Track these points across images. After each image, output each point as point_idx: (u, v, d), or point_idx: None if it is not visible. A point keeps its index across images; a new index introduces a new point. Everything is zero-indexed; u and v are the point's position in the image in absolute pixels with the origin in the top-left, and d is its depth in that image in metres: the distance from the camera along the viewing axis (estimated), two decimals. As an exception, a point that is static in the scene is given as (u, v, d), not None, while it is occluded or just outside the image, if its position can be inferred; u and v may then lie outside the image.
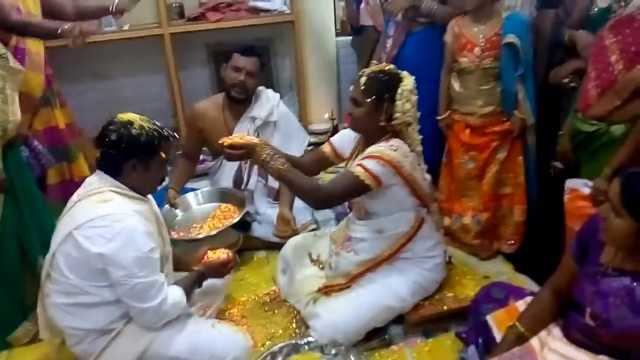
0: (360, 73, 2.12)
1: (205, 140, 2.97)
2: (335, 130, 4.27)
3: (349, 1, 3.83)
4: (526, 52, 2.46)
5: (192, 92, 4.12)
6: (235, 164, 2.91)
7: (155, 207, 2.03)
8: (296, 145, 2.97)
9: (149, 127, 1.84)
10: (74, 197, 1.90)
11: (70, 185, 2.76)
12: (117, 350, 1.86)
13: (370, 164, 2.00)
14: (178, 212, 2.73)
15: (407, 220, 2.17)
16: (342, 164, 2.37)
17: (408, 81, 2.07)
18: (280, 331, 2.25)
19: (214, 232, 2.52)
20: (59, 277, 1.81)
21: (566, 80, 2.43)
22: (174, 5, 3.99)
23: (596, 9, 2.33)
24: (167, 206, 2.71)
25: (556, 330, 1.62)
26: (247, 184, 2.94)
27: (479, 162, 2.67)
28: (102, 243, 1.73)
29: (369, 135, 2.15)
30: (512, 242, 2.70)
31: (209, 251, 2.18)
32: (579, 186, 2.11)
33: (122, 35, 3.85)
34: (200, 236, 2.50)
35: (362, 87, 2.06)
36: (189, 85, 4.14)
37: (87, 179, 1.93)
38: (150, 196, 2.01)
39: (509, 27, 2.46)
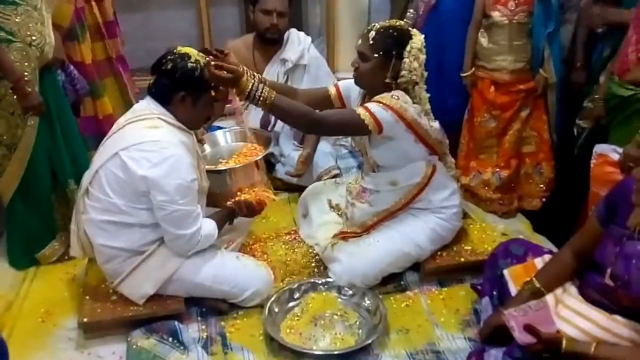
0: (369, 27, 2.08)
1: None
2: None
3: None
4: (556, 10, 2.46)
5: (222, 30, 4.10)
6: None
7: (196, 142, 2.07)
8: None
9: (204, 64, 1.88)
10: (121, 120, 1.95)
11: (94, 121, 2.77)
12: (146, 271, 1.94)
13: (373, 106, 1.99)
14: (206, 147, 2.77)
15: (418, 171, 2.17)
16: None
17: (418, 39, 2.03)
18: (300, 269, 2.30)
19: (239, 165, 2.55)
20: (99, 194, 1.88)
21: (600, 29, 2.38)
22: (208, -61, 3.92)
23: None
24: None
25: (572, 289, 1.65)
26: (274, 125, 2.96)
27: (501, 122, 2.68)
28: (147, 167, 1.79)
29: (373, 91, 2.11)
30: (544, 198, 2.72)
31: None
32: (607, 152, 2.10)
33: (156, -33, 3.81)
34: (225, 167, 2.54)
35: (371, 42, 2.02)
36: (218, 22, 4.11)
37: (136, 105, 1.98)
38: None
39: None
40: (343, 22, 4.31)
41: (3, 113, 2.15)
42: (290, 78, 2.89)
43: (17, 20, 2.06)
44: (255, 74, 2.05)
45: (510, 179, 2.71)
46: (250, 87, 1.90)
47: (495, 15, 2.54)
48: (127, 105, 2.76)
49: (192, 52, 1.90)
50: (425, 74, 2.10)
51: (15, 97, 2.09)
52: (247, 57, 2.91)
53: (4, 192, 2.28)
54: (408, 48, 2.00)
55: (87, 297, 2.06)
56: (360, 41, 2.08)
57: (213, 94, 1.95)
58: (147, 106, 1.93)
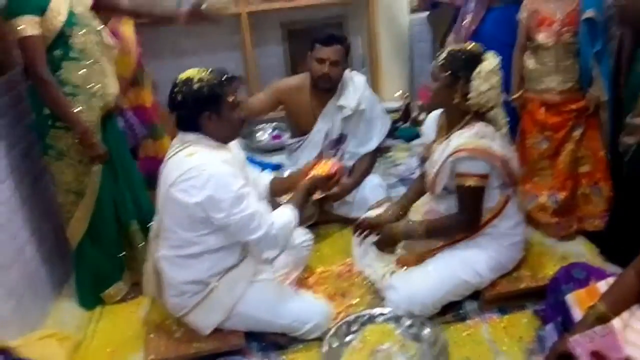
0: (443, 49, 2.14)
1: (290, 118, 3.00)
2: (406, 109, 4.26)
3: None
4: (602, 28, 2.40)
5: (267, 68, 4.21)
6: (317, 147, 2.91)
7: (241, 155, 2.12)
8: (378, 130, 2.94)
9: (208, 77, 1.90)
10: (165, 159, 2.01)
11: (155, 162, 2.89)
12: (214, 300, 2.00)
13: (468, 166, 2.03)
14: None
15: (492, 197, 2.15)
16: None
17: (490, 62, 2.03)
18: (357, 300, 2.30)
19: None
20: (169, 234, 1.97)
21: None
22: (250, -17, 4.07)
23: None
24: None
25: (640, 312, 1.59)
26: None
27: (554, 142, 2.63)
28: (196, 192, 1.84)
29: (448, 113, 2.16)
30: (605, 217, 2.64)
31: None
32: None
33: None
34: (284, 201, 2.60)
35: (441, 62, 2.08)
36: (263, 62, 4.22)
37: (172, 141, 2.04)
38: (236, 147, 2.11)
39: (588, 2, 2.40)
40: (385, 52, 4.37)
41: (71, 162, 2.27)
42: (347, 123, 2.86)
43: (80, 74, 2.19)
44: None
45: (567, 201, 2.64)
46: (401, 229, 2.18)
47: (541, 37, 2.52)
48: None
49: (191, 73, 1.92)
50: (503, 96, 2.12)
51: (81, 146, 2.21)
52: (302, 99, 2.88)
53: (73, 235, 2.39)
54: (477, 70, 2.01)
55: (152, 335, 2.12)
56: (433, 62, 2.14)
57: (231, 98, 1.95)
58: (180, 139, 1.98)
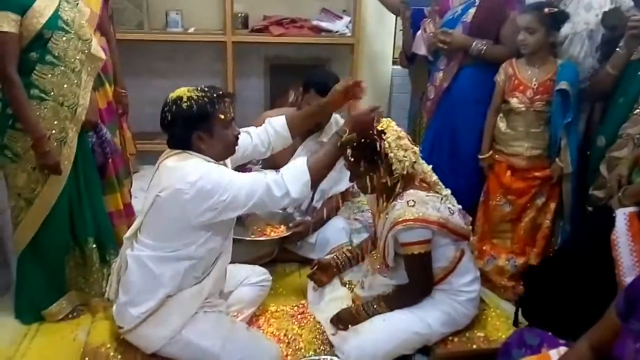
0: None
1: None
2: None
3: (407, 28, 3.58)
4: (574, 101, 2.46)
5: (247, 101, 4.20)
6: None
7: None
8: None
9: (197, 96, 1.87)
10: (158, 163, 1.98)
11: None
12: (157, 320, 1.94)
13: (408, 236, 2.02)
14: None
15: (447, 255, 2.14)
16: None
17: (389, 130, 2.02)
18: (306, 345, 2.24)
19: (262, 238, 2.62)
20: (147, 239, 1.93)
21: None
22: (239, 15, 4.11)
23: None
24: None
25: (588, 386, 1.57)
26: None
27: (516, 207, 2.66)
28: (188, 189, 1.81)
29: (379, 191, 2.16)
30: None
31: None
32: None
33: (187, 37, 3.98)
34: (248, 238, 2.61)
35: (352, 159, 2.07)
36: (244, 94, 4.21)
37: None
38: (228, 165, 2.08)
39: (564, 74, 2.47)
40: (364, 100, 4.37)
41: (25, 167, 2.19)
42: None
43: (52, 80, 2.13)
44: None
45: (525, 266, 2.65)
46: (361, 312, 2.15)
47: (514, 101, 2.57)
48: None
49: (182, 92, 1.90)
50: (417, 149, 2.10)
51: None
52: None
53: (17, 243, 2.29)
54: (385, 145, 2.00)
55: (87, 359, 2.03)
56: (344, 163, 2.13)
57: (222, 116, 1.90)
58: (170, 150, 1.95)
